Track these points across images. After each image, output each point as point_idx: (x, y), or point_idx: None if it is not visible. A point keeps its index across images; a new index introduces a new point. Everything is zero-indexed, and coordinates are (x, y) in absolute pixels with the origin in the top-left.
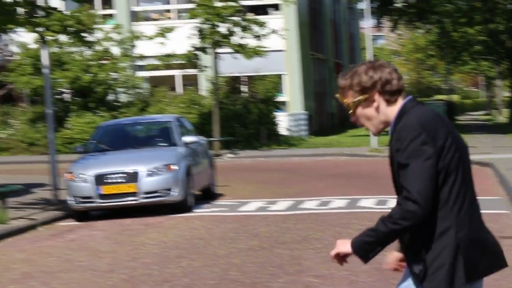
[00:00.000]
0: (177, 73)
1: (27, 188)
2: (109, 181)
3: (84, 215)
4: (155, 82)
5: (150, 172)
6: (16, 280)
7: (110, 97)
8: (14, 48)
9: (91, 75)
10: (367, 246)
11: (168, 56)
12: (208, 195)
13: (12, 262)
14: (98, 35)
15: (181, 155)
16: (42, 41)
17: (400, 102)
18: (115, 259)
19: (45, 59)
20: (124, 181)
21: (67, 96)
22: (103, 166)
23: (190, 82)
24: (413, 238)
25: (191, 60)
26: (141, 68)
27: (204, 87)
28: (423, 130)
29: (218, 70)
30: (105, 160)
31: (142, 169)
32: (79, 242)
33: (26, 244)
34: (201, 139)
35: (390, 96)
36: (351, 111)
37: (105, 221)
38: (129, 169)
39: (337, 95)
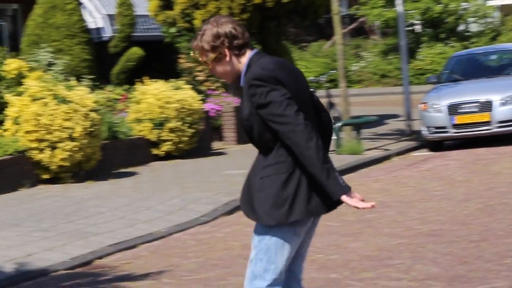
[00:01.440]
0: None
1: (381, 119)
2: (462, 110)
3: (438, 145)
4: (507, 10)
5: (504, 101)
6: (373, 210)
7: (461, 27)
8: None
9: (442, 5)
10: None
11: None
12: None
13: (369, 192)
14: None
15: None
16: None
17: (248, 54)
18: (470, 188)
19: None
20: (477, 110)
21: (417, 28)
22: (456, 96)
23: None
24: None
25: None
26: None
27: None
28: (268, 77)
29: None
30: (458, 90)
31: (496, 98)
32: (434, 172)
33: (382, 174)
34: None
35: (239, 50)
36: (208, 67)
37: (458, 151)
38: (483, 98)
39: (193, 55)
